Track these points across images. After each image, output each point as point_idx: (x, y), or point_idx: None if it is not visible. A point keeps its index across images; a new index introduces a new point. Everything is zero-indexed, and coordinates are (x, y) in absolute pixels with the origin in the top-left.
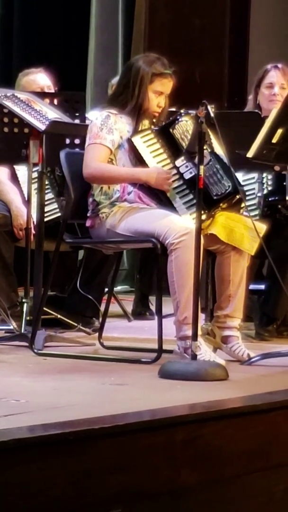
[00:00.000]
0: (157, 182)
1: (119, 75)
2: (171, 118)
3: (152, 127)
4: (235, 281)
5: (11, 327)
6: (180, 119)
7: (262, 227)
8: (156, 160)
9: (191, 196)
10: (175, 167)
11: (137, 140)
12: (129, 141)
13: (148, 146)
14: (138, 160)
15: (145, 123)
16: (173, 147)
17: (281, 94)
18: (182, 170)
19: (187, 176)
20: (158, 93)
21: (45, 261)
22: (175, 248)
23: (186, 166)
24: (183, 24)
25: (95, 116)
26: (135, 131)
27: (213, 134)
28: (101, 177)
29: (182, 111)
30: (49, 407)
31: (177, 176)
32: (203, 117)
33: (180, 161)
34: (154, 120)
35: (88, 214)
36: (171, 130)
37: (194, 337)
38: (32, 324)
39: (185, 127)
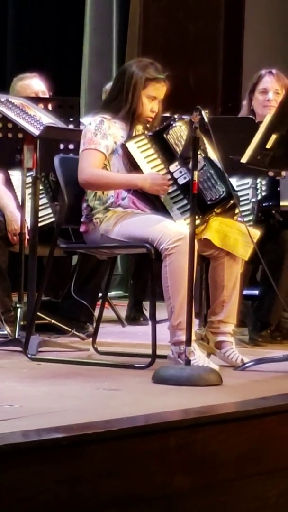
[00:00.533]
0: (152, 187)
1: (113, 80)
2: (165, 124)
3: (146, 132)
4: (228, 287)
5: (5, 332)
6: (174, 125)
7: (256, 233)
8: (150, 166)
9: (185, 202)
10: (169, 172)
11: (131, 146)
12: (123, 146)
13: (142, 151)
14: (132, 165)
15: (139, 128)
16: (167, 153)
17: (275, 99)
18: (176, 175)
19: (181, 181)
20: (152, 98)
21: (39, 266)
22: (169, 253)
23: (180, 172)
24: (177, 29)
25: (88, 121)
26: (129, 137)
27: (207, 140)
28: (97, 183)
29: (176, 116)
30: (43, 412)
31: (171, 182)
32: (197, 123)
33: (174, 167)
34: (148, 125)
35: (82, 219)
36: (165, 135)
37: (188, 342)
38: (26, 329)
39: (179, 133)
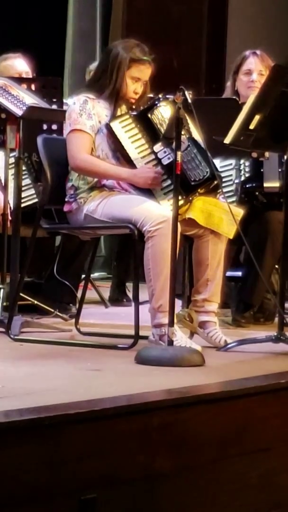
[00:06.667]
0: (145, 181)
1: (98, 60)
2: (149, 103)
3: (130, 112)
4: (213, 265)
5: None
6: (158, 104)
7: (239, 212)
8: (134, 146)
9: (169, 182)
10: (153, 152)
11: (116, 125)
12: (108, 126)
13: (126, 131)
14: (116, 145)
15: (123, 108)
16: (151, 133)
17: (259, 80)
18: (160, 155)
19: (165, 161)
20: (135, 79)
21: (22, 247)
22: (152, 236)
23: (164, 152)
24: (161, 11)
25: (72, 101)
26: (113, 116)
27: (191, 120)
28: (87, 170)
29: (160, 96)
30: (25, 392)
31: (155, 162)
32: (181, 103)
33: (158, 147)
34: (133, 106)
35: (66, 199)
36: (149, 115)
37: (171, 323)
38: (9, 310)
39: (163, 113)
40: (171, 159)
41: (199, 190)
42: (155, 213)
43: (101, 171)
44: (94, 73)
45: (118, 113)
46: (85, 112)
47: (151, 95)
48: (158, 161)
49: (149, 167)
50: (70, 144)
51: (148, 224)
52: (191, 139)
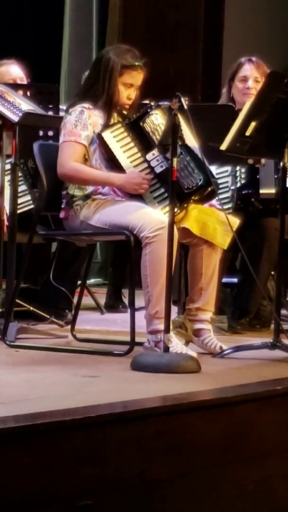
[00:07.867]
0: (131, 186)
1: (90, 67)
2: (141, 111)
3: (122, 120)
4: (207, 274)
5: None
6: (150, 112)
7: (235, 221)
8: (126, 155)
9: (162, 190)
10: (146, 161)
11: (107, 135)
12: (99, 136)
13: (118, 140)
14: (108, 155)
15: (115, 116)
16: (143, 141)
17: (255, 87)
18: (153, 164)
19: (158, 170)
20: (128, 85)
21: (18, 253)
22: (150, 242)
23: (157, 160)
24: (157, 17)
25: (68, 110)
26: (106, 125)
27: (186, 126)
28: (75, 178)
29: (152, 104)
30: (20, 398)
31: (148, 170)
32: (177, 109)
33: (150, 155)
34: (124, 113)
35: (62, 206)
36: (141, 123)
37: (167, 329)
38: (5, 316)
39: (155, 121)
40: (164, 167)
41: (193, 197)
42: (153, 220)
43: (89, 177)
44: (86, 80)
45: (111, 122)
46: (80, 123)
47: (146, 102)
48: (151, 169)
49: (137, 172)
50: (60, 153)
51: (146, 230)
52: (184, 146)
